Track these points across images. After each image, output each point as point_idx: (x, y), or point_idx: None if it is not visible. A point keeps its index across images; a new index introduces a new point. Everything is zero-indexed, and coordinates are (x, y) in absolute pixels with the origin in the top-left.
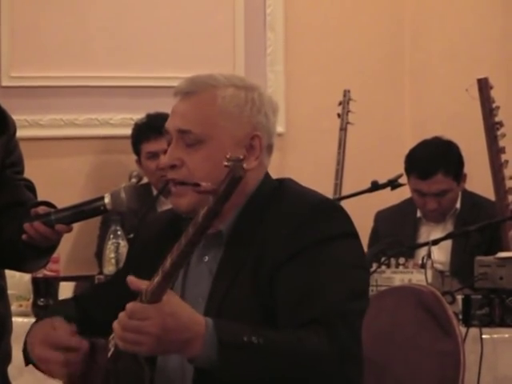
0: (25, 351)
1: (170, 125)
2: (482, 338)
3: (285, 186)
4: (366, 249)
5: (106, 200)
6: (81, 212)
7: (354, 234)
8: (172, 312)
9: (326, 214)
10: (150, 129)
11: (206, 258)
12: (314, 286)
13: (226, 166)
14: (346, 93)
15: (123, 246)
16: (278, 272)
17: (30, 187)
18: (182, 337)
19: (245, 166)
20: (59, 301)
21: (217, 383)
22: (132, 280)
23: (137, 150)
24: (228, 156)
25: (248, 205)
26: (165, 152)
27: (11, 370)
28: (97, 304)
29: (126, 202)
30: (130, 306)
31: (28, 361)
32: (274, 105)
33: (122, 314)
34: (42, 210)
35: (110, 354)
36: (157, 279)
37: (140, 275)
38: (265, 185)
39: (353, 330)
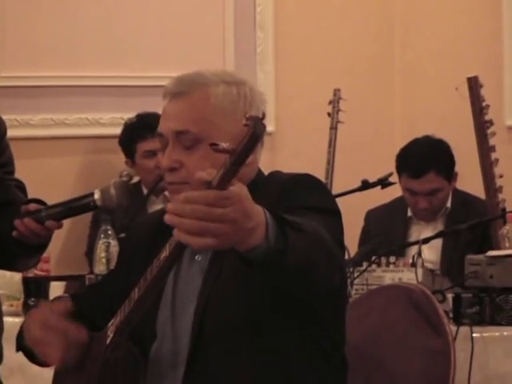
0: (19, 336)
1: (164, 127)
2: (472, 337)
3: (271, 174)
4: (356, 248)
5: (96, 196)
6: (71, 208)
7: (335, 210)
8: (248, 196)
9: (308, 186)
10: (145, 127)
11: (199, 257)
12: None
13: (245, 124)
14: (336, 92)
15: (114, 245)
16: None
17: (21, 187)
18: (250, 225)
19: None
20: (56, 297)
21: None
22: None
23: (130, 150)
24: (247, 115)
25: None
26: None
27: (2, 370)
28: (90, 304)
29: (116, 198)
30: (206, 193)
31: (19, 347)
32: (262, 97)
33: (192, 206)
34: (32, 206)
35: (108, 341)
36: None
37: (132, 275)
38: (256, 180)
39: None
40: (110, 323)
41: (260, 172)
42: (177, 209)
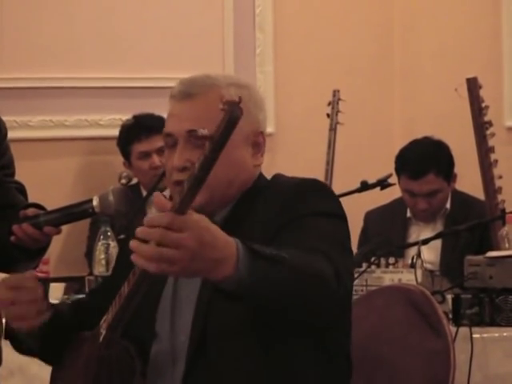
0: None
1: (175, 127)
2: (472, 338)
3: (275, 178)
4: (355, 249)
5: (95, 203)
6: (69, 214)
7: (342, 216)
8: (208, 227)
9: (315, 190)
10: (140, 129)
11: None
12: (304, 241)
13: (222, 109)
14: (336, 93)
15: (113, 246)
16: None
17: (21, 190)
18: (215, 255)
19: (254, 162)
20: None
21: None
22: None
23: (126, 152)
24: (223, 100)
25: (242, 198)
26: (157, 152)
27: (2, 372)
28: (88, 307)
29: (114, 204)
30: (165, 216)
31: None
32: (263, 101)
33: (153, 230)
34: (31, 211)
35: (101, 339)
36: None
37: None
38: (259, 181)
39: (347, 266)
40: (102, 320)
41: (261, 175)
42: (140, 232)
